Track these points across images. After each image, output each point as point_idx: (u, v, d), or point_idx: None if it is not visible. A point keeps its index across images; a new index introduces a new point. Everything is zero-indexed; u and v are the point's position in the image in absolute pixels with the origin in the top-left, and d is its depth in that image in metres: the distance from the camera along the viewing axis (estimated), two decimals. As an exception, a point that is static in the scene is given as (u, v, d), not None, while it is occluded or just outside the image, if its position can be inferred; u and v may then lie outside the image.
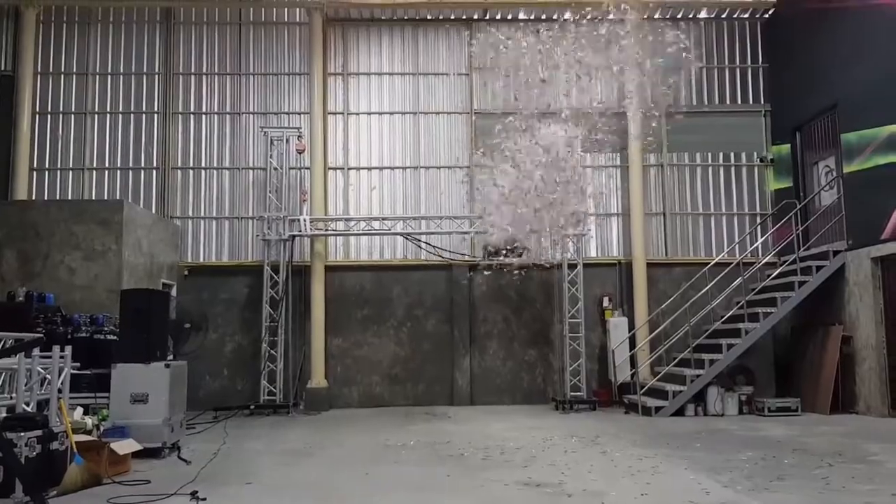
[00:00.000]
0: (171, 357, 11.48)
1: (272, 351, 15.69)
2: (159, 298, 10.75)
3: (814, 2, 15.26)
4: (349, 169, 17.09)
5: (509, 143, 12.90)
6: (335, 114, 17.16)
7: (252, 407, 15.03)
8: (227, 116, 17.02)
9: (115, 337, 11.23)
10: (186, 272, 16.36)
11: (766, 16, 17.25)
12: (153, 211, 16.27)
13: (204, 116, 17.01)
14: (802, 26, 15.79)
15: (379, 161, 17.16)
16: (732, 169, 17.28)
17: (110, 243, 13.53)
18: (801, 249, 14.85)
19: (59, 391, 8.06)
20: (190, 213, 16.78)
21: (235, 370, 16.18)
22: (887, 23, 12.99)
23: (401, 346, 16.54)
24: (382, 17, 17.19)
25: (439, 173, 17.11)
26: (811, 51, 15.47)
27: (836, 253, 14.25)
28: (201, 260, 16.67)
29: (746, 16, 17.36)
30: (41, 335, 9.57)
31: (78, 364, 10.19)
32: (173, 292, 15.47)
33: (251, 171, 16.87)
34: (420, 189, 17.03)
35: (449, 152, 17.14)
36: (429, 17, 17.29)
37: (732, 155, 17.28)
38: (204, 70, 17.09)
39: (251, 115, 17.05)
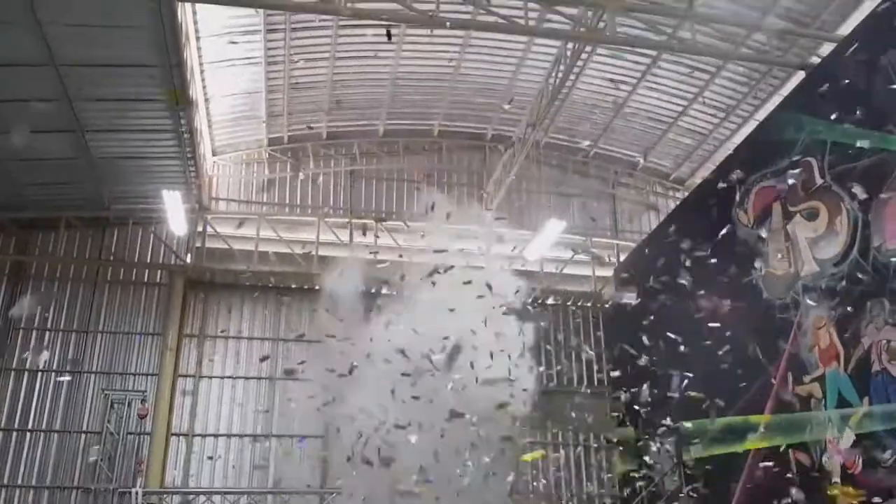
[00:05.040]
0: None
1: None
2: None
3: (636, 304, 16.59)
4: (194, 436, 16.08)
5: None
6: (186, 376, 16.45)
7: None
8: (66, 375, 15.91)
9: None
10: (-14, 554, 14.21)
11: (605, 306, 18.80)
12: (-41, 480, 14.40)
13: (39, 374, 15.77)
14: (628, 318, 17.08)
15: (228, 428, 16.33)
16: (582, 449, 17.71)
17: None
18: (652, 537, 14.94)
19: None
20: (4, 481, 14.88)
21: None
22: (703, 330, 14.27)
23: None
24: (246, 284, 17.31)
25: (292, 443, 16.42)
26: (639, 343, 16.61)
27: (684, 542, 14.41)
28: (7, 539, 14.59)
29: (589, 304, 18.84)
30: None
31: None
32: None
33: (83, 436, 15.42)
34: (270, 459, 16.16)
35: (304, 421, 16.58)
36: (293, 286, 17.58)
37: (581, 436, 17.80)
38: (48, 325, 16.16)
39: (92, 375, 15.98)
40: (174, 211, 14.90)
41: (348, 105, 17.76)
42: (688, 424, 14.91)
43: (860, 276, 10.95)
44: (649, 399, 16.23)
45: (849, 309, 11.12)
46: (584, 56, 15.17)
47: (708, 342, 14.42)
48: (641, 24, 13.68)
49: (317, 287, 17.49)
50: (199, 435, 16.13)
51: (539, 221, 16.46)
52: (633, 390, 16.84)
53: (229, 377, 16.71)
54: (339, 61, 15.98)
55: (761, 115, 16.44)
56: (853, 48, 11.36)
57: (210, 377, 16.62)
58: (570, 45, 14.07)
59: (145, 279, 17.06)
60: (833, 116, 11.42)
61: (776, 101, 15.98)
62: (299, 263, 17.18)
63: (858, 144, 10.82)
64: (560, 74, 14.45)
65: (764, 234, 13.13)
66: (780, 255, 12.77)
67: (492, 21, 12.39)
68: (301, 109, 17.38)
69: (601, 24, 12.69)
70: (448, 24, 11.95)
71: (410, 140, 18.92)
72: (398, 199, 18.79)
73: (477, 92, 17.28)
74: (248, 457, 16.17)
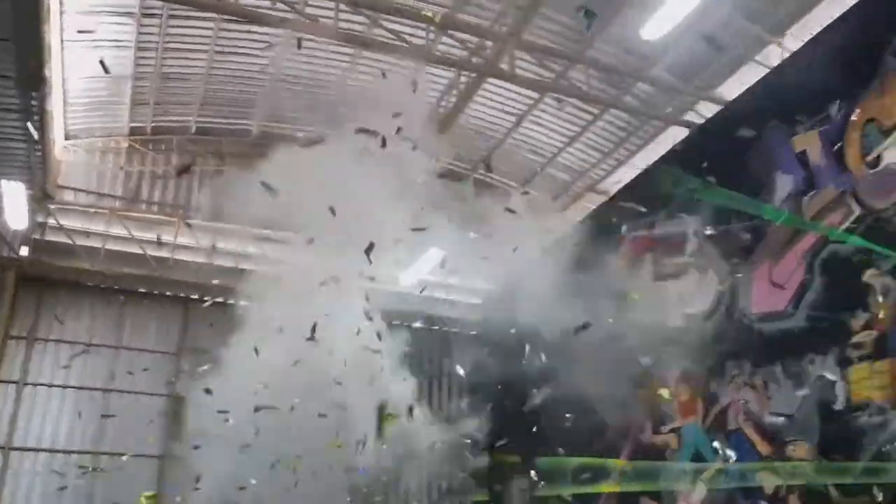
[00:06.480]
0: None
1: None
2: None
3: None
4: (11, 449, 14.40)
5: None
6: (8, 382, 14.72)
7: None
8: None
9: None
10: None
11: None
12: None
13: None
14: (496, 348, 16.92)
15: (53, 442, 14.76)
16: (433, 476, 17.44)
17: None
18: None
19: None
20: None
21: None
22: (568, 368, 14.34)
23: None
24: (89, 284, 15.73)
25: (125, 462, 15.02)
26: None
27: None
28: None
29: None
30: None
31: None
32: None
33: None
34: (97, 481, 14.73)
35: (141, 439, 15.24)
36: (142, 291, 16.19)
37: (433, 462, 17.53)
38: None
39: None
40: (13, 204, 13.24)
41: (221, 101, 16.66)
42: (544, 461, 15.02)
43: (724, 335, 11.36)
44: (507, 426, 16.29)
45: (711, 366, 11.53)
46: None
47: (572, 382, 14.62)
48: (534, 62, 13.75)
49: (168, 293, 16.39)
50: (17, 449, 14.46)
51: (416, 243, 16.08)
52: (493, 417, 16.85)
53: (59, 386, 15.11)
54: (217, 55, 14.90)
55: (637, 159, 16.93)
56: (736, 114, 11.84)
57: (36, 385, 14.97)
58: (464, 73, 13.80)
59: (-31, 271, 15.15)
60: (711, 178, 11.77)
61: (651, 148, 16.54)
62: (152, 266, 15.90)
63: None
64: (452, 100, 14.16)
65: (634, 282, 13.43)
66: (648, 306, 13.08)
67: (390, 41, 11.89)
68: (170, 101, 16.09)
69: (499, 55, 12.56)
70: (338, 37, 11.32)
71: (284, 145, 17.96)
72: (270, 204, 17.77)
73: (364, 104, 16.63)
74: (72, 474, 14.64)
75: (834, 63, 9.89)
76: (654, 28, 10.30)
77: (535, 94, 15.95)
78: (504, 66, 12.68)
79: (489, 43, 12.78)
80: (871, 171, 9.24)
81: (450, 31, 12.69)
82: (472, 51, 13.00)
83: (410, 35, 12.44)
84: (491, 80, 15.22)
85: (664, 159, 13.67)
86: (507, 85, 15.39)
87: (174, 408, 15.33)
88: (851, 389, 8.94)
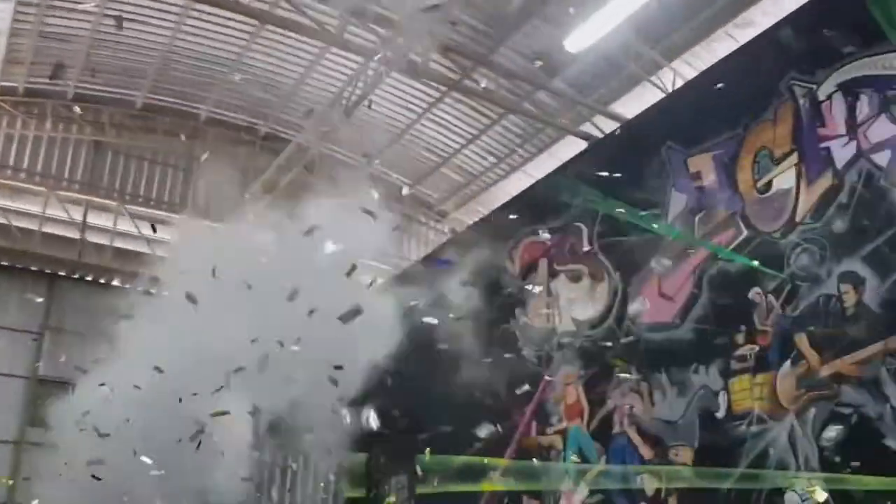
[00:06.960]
0: None
1: None
2: None
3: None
4: None
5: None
6: None
7: None
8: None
9: None
10: None
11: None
12: None
13: None
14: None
15: None
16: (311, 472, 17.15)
17: None
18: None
19: None
20: None
21: None
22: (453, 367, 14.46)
23: None
24: (-56, 253, 14.35)
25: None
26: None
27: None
28: None
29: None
30: None
31: None
32: None
33: None
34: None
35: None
36: (4, 264, 14.91)
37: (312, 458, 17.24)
38: None
39: None
40: None
41: (106, 68, 15.60)
42: (424, 457, 15.02)
43: (612, 341, 11.78)
44: (389, 426, 16.16)
45: (598, 371, 11.93)
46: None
47: (459, 380, 14.73)
48: (445, 62, 13.76)
49: (33, 268, 15.21)
50: None
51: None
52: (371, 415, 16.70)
53: None
54: (108, 18, 13.93)
55: (530, 167, 17.29)
56: (634, 131, 12.31)
57: None
58: (373, 65, 13.59)
59: None
60: (608, 190, 12.16)
61: (543, 158, 16.91)
62: (16, 238, 14.69)
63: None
64: (357, 91, 13.92)
65: (528, 286, 13.69)
66: (540, 309, 13.38)
67: (304, 24, 11.54)
68: (48, 62, 14.87)
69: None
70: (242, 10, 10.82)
71: (172, 120, 17.08)
72: (148, 181, 16.86)
73: (258, 86, 16.06)
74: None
75: (730, 91, 10.47)
76: (576, 40, 10.52)
77: (435, 93, 15.96)
78: (415, 60, 12.61)
79: (401, 39, 12.66)
80: (761, 196, 9.88)
81: (362, 19, 12.49)
82: (383, 41, 12.84)
83: (322, 18, 12.11)
84: (394, 73, 15.19)
85: (563, 168, 13.99)
86: (409, 80, 15.36)
87: (35, 390, 14.30)
88: (733, 399, 9.49)
